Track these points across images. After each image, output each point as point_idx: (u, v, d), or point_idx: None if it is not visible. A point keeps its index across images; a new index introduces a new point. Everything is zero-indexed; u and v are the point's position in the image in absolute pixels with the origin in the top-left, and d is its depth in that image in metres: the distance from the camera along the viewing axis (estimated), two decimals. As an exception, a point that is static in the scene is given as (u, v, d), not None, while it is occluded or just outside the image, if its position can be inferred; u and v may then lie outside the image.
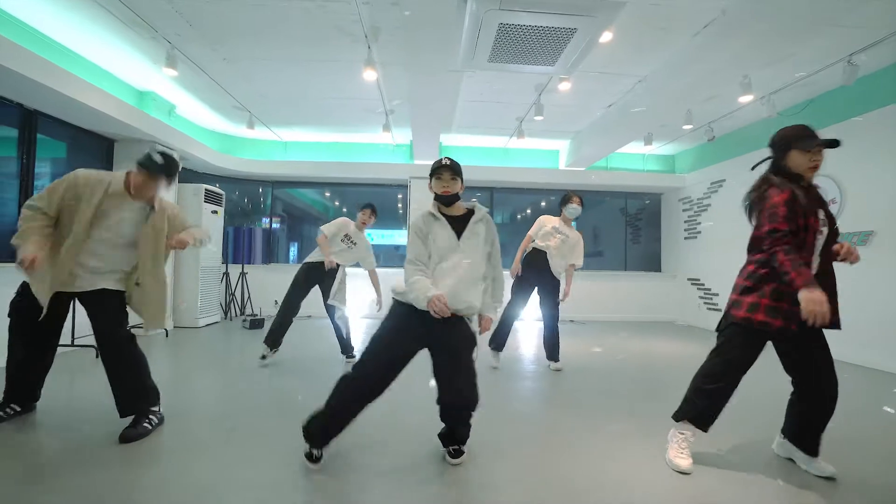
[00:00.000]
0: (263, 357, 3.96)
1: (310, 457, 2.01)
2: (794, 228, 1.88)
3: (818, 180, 2.09)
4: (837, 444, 2.24)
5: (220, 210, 6.46)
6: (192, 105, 5.99)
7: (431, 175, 2.11)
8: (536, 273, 3.98)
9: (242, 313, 6.90)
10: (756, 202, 2.04)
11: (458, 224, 2.10)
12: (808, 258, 1.92)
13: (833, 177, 4.75)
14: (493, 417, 2.63)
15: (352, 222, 4.19)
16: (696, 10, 3.57)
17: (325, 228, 4.08)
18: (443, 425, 2.20)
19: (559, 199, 4.15)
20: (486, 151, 7.66)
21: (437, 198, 2.11)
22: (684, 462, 2.08)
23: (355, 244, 4.12)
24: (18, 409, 2.56)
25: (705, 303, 7.02)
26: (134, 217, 2.45)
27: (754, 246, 2.06)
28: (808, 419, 2.08)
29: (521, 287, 4.03)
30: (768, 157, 2.11)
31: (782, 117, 5.32)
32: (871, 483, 2.02)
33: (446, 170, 2.08)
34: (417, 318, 1.96)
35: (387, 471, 2.03)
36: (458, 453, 2.13)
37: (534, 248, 4.02)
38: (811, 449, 2.08)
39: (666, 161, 8.02)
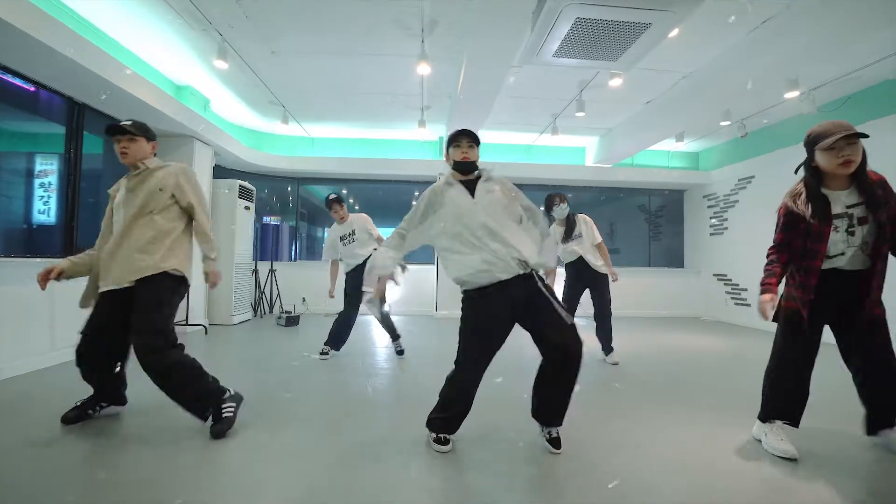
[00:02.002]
0: (325, 354, 4.07)
1: (439, 441, 2.11)
2: (787, 239, 2.13)
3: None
4: None
5: (252, 206, 6.40)
6: (226, 100, 5.91)
7: (449, 145, 2.20)
8: (586, 275, 4.04)
9: (272, 311, 6.85)
10: None
11: (473, 187, 2.17)
12: (820, 251, 2.04)
13: (876, 172, 4.81)
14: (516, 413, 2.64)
15: (334, 227, 4.18)
16: (763, 3, 3.58)
17: (329, 255, 4.21)
18: (534, 403, 2.16)
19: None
20: (511, 148, 7.65)
21: (456, 165, 2.18)
22: (788, 446, 2.10)
23: (354, 233, 4.07)
24: (106, 405, 2.52)
25: (733, 298, 7.09)
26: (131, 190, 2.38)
27: None
28: (870, 400, 2.14)
29: (568, 291, 4.12)
30: (805, 161, 2.15)
31: (821, 113, 5.38)
32: None
33: (464, 136, 2.16)
34: (493, 299, 2.02)
35: (416, 460, 2.03)
36: (557, 442, 2.10)
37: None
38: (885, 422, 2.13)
39: (690, 158, 8.07)
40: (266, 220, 7.70)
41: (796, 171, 2.22)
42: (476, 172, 2.22)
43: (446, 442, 2.11)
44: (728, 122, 5.81)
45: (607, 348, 4.08)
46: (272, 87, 5.43)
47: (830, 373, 2.44)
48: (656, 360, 4.34)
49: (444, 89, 5.38)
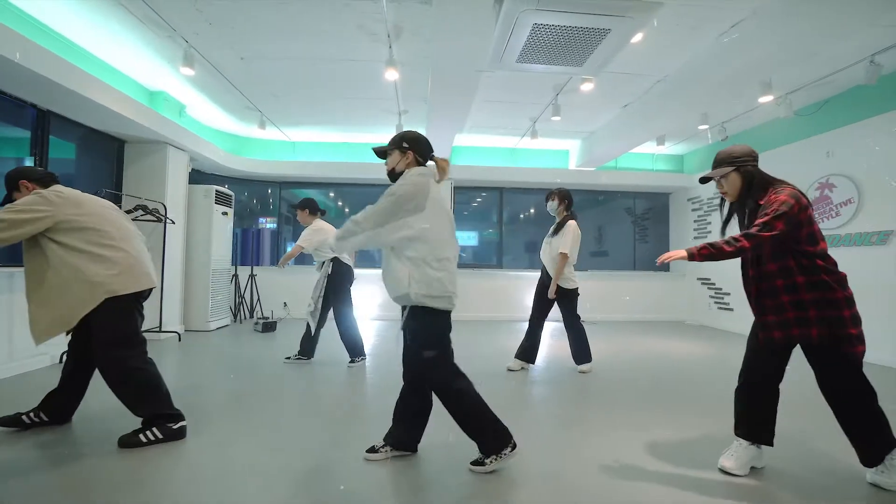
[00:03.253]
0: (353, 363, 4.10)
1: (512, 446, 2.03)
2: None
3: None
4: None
5: (230, 211, 6.37)
6: (203, 105, 5.89)
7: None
8: (542, 284, 4.03)
9: (252, 316, 6.82)
10: None
11: None
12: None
13: (851, 176, 4.77)
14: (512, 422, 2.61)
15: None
16: (727, 9, 3.55)
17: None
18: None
19: (549, 195, 4.10)
20: (495, 151, 7.63)
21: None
22: (726, 461, 2.07)
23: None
24: (47, 419, 2.49)
25: (716, 302, 7.05)
26: None
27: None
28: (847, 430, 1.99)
29: (537, 298, 4.08)
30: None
31: (798, 117, 5.35)
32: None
33: (387, 145, 2.15)
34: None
35: (411, 464, 1.99)
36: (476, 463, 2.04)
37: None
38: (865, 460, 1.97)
39: (675, 161, 8.04)
40: (262, 221, 7.70)
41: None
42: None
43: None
44: (706, 126, 5.78)
45: (577, 358, 4.01)
46: (246, 92, 5.41)
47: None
48: (636, 366, 4.31)
49: (419, 93, 5.35)
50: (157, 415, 2.31)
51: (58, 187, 2.31)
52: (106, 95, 4.18)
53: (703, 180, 2.16)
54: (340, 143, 7.46)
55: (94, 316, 2.20)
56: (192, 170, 6.28)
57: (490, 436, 2.00)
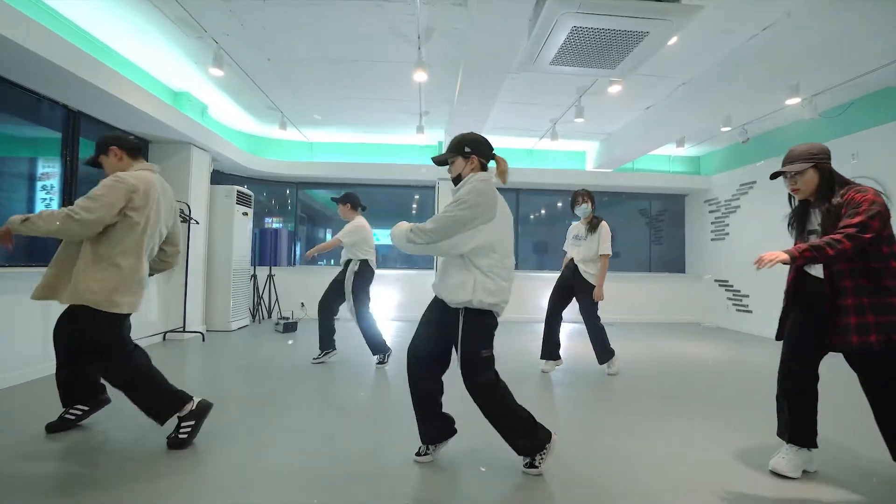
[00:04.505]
0: (382, 363, 4.12)
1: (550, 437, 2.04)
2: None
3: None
4: None
5: (250, 211, 6.38)
6: (225, 105, 5.90)
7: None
8: (572, 277, 4.00)
9: (270, 316, 6.83)
10: None
11: None
12: None
13: (877, 179, 4.75)
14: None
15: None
16: (761, 12, 3.54)
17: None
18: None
19: (579, 196, 4.07)
20: (513, 152, 7.61)
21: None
22: (777, 463, 2.08)
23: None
24: (87, 408, 2.48)
25: (734, 304, 7.03)
26: None
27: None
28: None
29: (556, 294, 4.07)
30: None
31: (823, 119, 5.33)
32: None
33: (447, 152, 2.09)
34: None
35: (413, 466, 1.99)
36: (528, 466, 2.05)
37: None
38: None
39: (691, 162, 8.02)
40: (268, 221, 7.71)
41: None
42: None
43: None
44: (728, 128, 5.76)
45: (600, 357, 4.01)
46: (269, 93, 5.42)
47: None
48: (653, 369, 4.29)
49: (442, 95, 5.35)
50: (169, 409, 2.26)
51: (142, 174, 2.30)
52: (134, 94, 4.18)
53: (775, 175, 2.11)
54: (358, 144, 7.46)
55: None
56: (213, 170, 6.30)
57: (532, 434, 2.01)
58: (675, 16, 3.00)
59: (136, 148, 2.45)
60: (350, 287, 4.00)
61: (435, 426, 2.14)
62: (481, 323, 1.98)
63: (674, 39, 3.54)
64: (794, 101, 4.71)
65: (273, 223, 7.73)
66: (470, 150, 2.04)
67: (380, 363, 4.10)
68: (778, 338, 2.21)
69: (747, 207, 6.80)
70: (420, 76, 4.27)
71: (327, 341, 4.19)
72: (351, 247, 4.03)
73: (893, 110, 4.74)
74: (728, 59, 4.31)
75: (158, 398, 2.24)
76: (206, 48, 4.26)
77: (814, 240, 1.93)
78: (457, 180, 2.07)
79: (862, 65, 4.39)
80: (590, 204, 4.01)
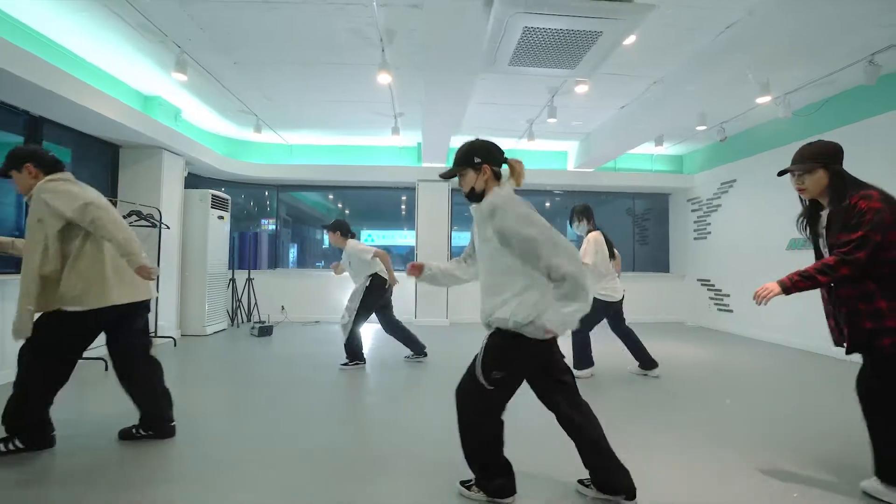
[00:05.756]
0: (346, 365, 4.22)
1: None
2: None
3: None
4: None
5: (227, 215, 6.36)
6: (198, 109, 5.88)
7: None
8: None
9: (249, 320, 6.81)
10: None
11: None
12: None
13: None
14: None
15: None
16: (723, 10, 3.51)
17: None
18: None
19: (567, 201, 4.09)
20: (493, 153, 7.58)
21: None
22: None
23: (349, 263, 4.28)
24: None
25: (716, 303, 6.99)
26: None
27: None
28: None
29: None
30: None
31: (797, 117, 5.29)
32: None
33: (455, 165, 1.89)
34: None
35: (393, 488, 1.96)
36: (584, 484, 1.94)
37: None
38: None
39: (674, 161, 7.98)
40: (264, 222, 7.71)
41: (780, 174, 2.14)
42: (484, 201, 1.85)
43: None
44: (704, 127, 5.71)
45: (577, 364, 3.96)
46: (242, 96, 5.39)
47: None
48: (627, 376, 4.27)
49: (413, 96, 5.32)
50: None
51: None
52: (99, 102, 4.18)
53: (782, 173, 2.03)
54: (338, 146, 7.44)
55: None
56: (190, 174, 6.28)
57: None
58: (627, 15, 2.98)
59: (54, 164, 2.37)
60: (361, 296, 4.12)
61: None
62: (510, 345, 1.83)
63: (632, 39, 3.53)
64: (764, 99, 4.67)
65: (268, 225, 7.73)
66: (480, 159, 1.85)
67: (344, 366, 4.19)
68: (836, 344, 2.01)
69: (728, 206, 6.75)
70: (384, 78, 4.24)
71: (415, 347, 4.46)
72: (371, 262, 4.14)
73: (865, 109, 4.71)
74: (696, 57, 4.27)
75: (16, 412, 2.24)
76: (170, 52, 4.24)
77: (806, 267, 1.88)
78: (471, 194, 1.87)
79: (831, 63, 4.35)
80: (586, 223, 3.98)
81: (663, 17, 3.54)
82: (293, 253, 8.59)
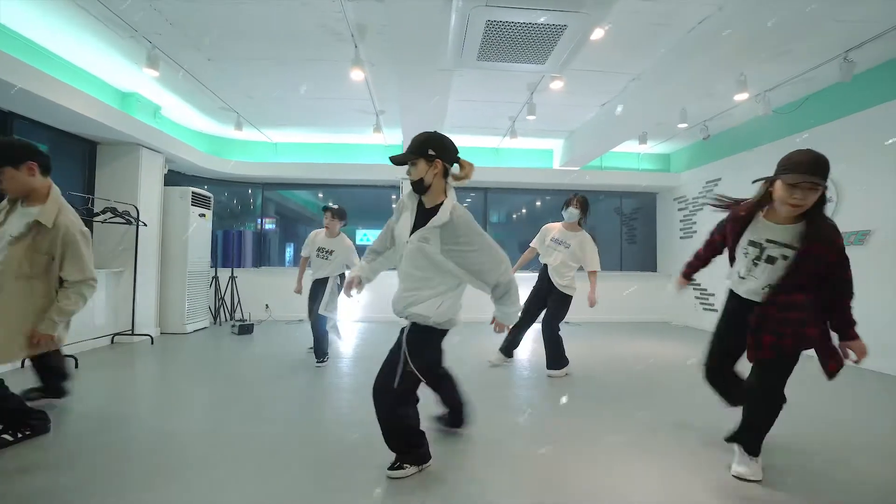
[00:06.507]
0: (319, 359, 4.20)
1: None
2: (711, 239, 2.47)
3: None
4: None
5: (208, 213, 6.34)
6: (179, 106, 5.86)
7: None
8: (546, 287, 3.96)
9: (232, 318, 6.79)
10: None
11: (425, 218, 1.87)
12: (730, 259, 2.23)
13: (831, 175, 4.66)
14: (487, 427, 2.54)
15: (320, 232, 4.23)
16: (692, 5, 3.48)
17: (303, 251, 4.32)
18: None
19: (554, 200, 4.06)
20: (479, 151, 7.56)
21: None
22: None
23: (331, 252, 4.14)
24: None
25: (701, 303, 6.95)
26: (14, 226, 2.13)
27: None
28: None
29: (532, 300, 4.02)
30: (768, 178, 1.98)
31: (777, 114, 5.26)
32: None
33: (408, 152, 1.89)
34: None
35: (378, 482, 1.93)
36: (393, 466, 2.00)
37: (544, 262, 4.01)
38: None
39: (661, 160, 7.95)
40: (259, 221, 7.69)
41: (754, 183, 2.09)
42: (442, 201, 1.88)
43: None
44: (685, 125, 5.68)
45: (555, 364, 3.92)
46: (219, 93, 5.38)
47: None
48: (609, 371, 4.23)
49: (392, 93, 5.30)
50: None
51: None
52: (72, 99, 4.16)
53: (793, 182, 1.85)
54: (324, 144, 7.42)
55: None
56: (172, 171, 6.27)
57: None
58: (590, 8, 2.96)
59: (49, 167, 2.31)
60: (339, 293, 4.02)
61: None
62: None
63: (600, 33, 3.51)
64: (742, 96, 4.63)
65: (263, 225, 7.71)
66: (434, 153, 1.86)
67: (320, 363, 4.18)
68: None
69: (713, 205, 6.70)
70: (357, 75, 4.23)
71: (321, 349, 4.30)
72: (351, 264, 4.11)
73: (845, 106, 4.67)
74: (672, 52, 4.25)
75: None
76: (142, 48, 4.22)
77: (741, 256, 2.07)
78: (418, 185, 1.89)
79: (806, 60, 4.32)
80: (578, 210, 3.91)
81: (634, 11, 3.52)
82: (289, 252, 8.56)
